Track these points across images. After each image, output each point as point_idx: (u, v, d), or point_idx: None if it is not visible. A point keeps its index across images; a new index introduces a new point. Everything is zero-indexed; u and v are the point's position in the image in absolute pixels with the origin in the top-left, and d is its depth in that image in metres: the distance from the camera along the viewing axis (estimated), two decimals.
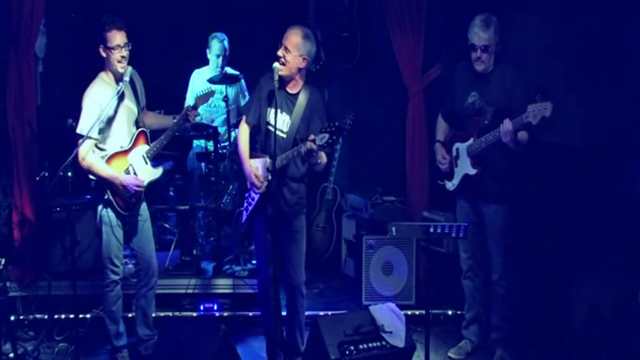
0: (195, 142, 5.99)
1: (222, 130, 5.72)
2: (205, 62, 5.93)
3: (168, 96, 5.81)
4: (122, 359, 4.44)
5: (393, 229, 3.89)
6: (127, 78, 4.15)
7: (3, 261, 4.38)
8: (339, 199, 6.13)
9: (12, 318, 4.87)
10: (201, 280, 5.28)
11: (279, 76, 3.97)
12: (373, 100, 6.13)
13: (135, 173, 4.26)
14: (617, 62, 4.24)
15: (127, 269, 4.95)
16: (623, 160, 4.19)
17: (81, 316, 4.81)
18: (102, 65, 4.20)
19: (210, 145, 5.51)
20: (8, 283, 4.81)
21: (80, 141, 4.05)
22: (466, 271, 4.57)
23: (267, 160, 4.06)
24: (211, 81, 5.57)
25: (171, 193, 5.88)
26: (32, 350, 4.63)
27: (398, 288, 5.24)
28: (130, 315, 4.69)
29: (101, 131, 4.14)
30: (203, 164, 5.77)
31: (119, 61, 4.10)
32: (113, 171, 4.17)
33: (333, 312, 4.83)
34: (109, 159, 4.19)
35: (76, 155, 4.05)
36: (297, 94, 4.09)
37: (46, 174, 4.97)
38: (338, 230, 6.12)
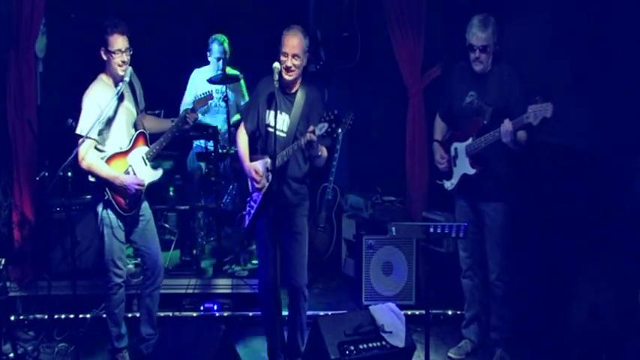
0: (195, 142, 5.99)
1: (223, 129, 5.72)
2: (205, 62, 5.94)
3: (168, 97, 5.81)
4: (122, 359, 4.44)
5: (393, 229, 3.89)
6: (127, 78, 4.15)
7: (3, 261, 4.38)
8: (339, 199, 6.13)
9: (12, 318, 4.88)
10: (201, 280, 5.28)
11: (287, 81, 3.97)
12: (373, 100, 6.13)
13: (134, 174, 4.26)
14: (617, 62, 4.24)
15: (128, 270, 4.95)
16: (623, 160, 4.20)
17: (81, 316, 4.81)
18: (102, 66, 4.20)
19: (210, 145, 5.51)
20: (8, 283, 4.81)
21: (80, 141, 4.05)
22: (465, 270, 4.58)
23: (268, 160, 4.06)
24: (211, 81, 5.57)
25: (171, 193, 5.88)
26: (32, 350, 4.63)
27: (398, 288, 5.24)
28: (130, 315, 4.70)
29: (100, 132, 4.14)
30: (203, 164, 5.77)
31: (120, 65, 4.10)
32: (113, 171, 4.16)
33: (333, 312, 4.83)
34: (109, 160, 4.18)
35: (76, 155, 4.04)
36: (295, 92, 4.09)
37: (46, 174, 4.97)
38: (338, 230, 6.12)
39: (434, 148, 4.57)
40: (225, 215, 5.68)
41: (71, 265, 4.48)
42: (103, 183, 4.17)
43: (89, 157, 4.10)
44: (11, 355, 4.40)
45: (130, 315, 4.71)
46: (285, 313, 4.35)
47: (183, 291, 5.18)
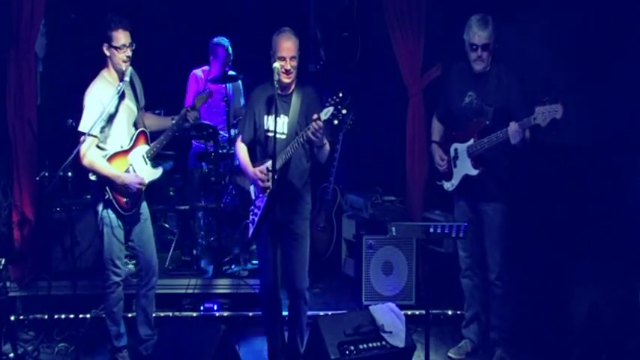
0: (195, 142, 5.99)
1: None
2: (205, 61, 5.93)
3: (168, 97, 5.81)
4: (122, 359, 4.44)
5: (393, 229, 3.89)
6: (127, 78, 4.15)
7: (3, 261, 4.37)
8: (339, 199, 6.13)
9: (12, 318, 4.87)
10: (201, 280, 5.28)
11: (285, 83, 3.98)
12: (373, 100, 6.13)
13: (135, 173, 4.25)
14: (617, 62, 4.24)
15: (127, 269, 4.95)
16: (623, 160, 4.20)
17: (81, 316, 4.82)
18: (102, 64, 4.20)
19: (210, 145, 5.51)
20: (8, 283, 4.81)
21: (82, 139, 4.05)
22: (465, 270, 4.58)
23: (270, 161, 4.04)
24: (211, 81, 5.57)
25: (171, 193, 5.88)
26: (32, 350, 4.63)
27: (398, 288, 5.24)
28: (130, 315, 4.70)
29: (102, 130, 4.14)
30: (203, 164, 5.77)
31: (124, 61, 4.11)
32: (115, 169, 4.16)
33: (333, 312, 4.83)
34: (110, 159, 4.18)
35: (77, 154, 4.04)
36: (291, 94, 4.09)
37: (46, 174, 4.97)
38: (338, 230, 6.12)
39: (432, 150, 4.57)
40: (225, 215, 5.69)
41: (71, 265, 4.49)
42: (104, 182, 4.17)
43: (91, 154, 4.10)
44: (11, 355, 4.40)
45: (129, 315, 4.71)
46: (285, 313, 4.35)
47: (183, 291, 5.18)
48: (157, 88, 4.86)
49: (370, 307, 4.25)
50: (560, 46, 4.67)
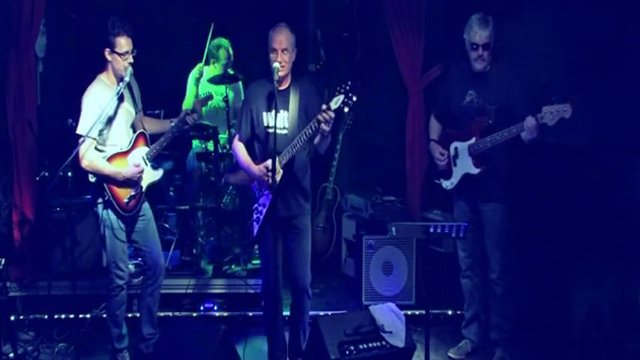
0: (195, 143, 5.99)
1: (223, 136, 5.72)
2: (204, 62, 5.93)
3: (168, 97, 5.81)
4: (122, 359, 4.44)
5: (393, 229, 3.89)
6: (127, 78, 4.14)
7: (3, 261, 4.37)
8: (339, 199, 6.13)
9: (12, 318, 4.87)
10: (201, 280, 5.28)
11: (278, 77, 3.97)
12: (373, 100, 6.13)
13: None
14: (617, 62, 4.24)
15: (128, 270, 4.95)
16: (624, 159, 4.20)
17: (81, 316, 4.82)
18: (102, 66, 4.20)
19: (210, 145, 5.51)
20: (8, 283, 4.81)
21: (80, 141, 4.05)
22: (465, 270, 4.58)
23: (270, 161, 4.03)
24: (212, 81, 5.57)
25: (171, 193, 5.88)
26: (32, 350, 4.63)
27: (398, 288, 5.24)
28: (130, 315, 4.69)
29: (101, 132, 4.14)
30: (203, 164, 5.77)
31: (126, 67, 4.11)
32: (114, 167, 4.16)
33: (333, 312, 4.83)
34: (109, 160, 4.18)
35: (76, 155, 4.04)
36: (288, 88, 4.08)
37: (46, 174, 4.97)
38: (338, 230, 6.12)
39: (431, 147, 4.57)
40: (225, 215, 5.69)
41: (71, 265, 4.47)
42: (103, 182, 4.16)
43: (89, 155, 4.10)
44: (11, 355, 4.40)
45: (130, 315, 4.70)
46: (285, 313, 4.35)
47: (183, 291, 5.19)
48: (157, 88, 4.86)
49: (370, 307, 4.25)
50: (560, 45, 4.67)
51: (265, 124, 4.08)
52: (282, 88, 4.06)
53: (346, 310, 5.02)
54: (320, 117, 3.75)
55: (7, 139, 5.04)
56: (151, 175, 4.36)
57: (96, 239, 4.66)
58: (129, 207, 4.23)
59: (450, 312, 5.14)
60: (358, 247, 5.35)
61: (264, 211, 4.05)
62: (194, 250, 5.50)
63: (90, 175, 4.19)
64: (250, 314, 5.12)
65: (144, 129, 4.37)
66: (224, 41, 5.81)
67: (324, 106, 3.75)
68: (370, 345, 4.04)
